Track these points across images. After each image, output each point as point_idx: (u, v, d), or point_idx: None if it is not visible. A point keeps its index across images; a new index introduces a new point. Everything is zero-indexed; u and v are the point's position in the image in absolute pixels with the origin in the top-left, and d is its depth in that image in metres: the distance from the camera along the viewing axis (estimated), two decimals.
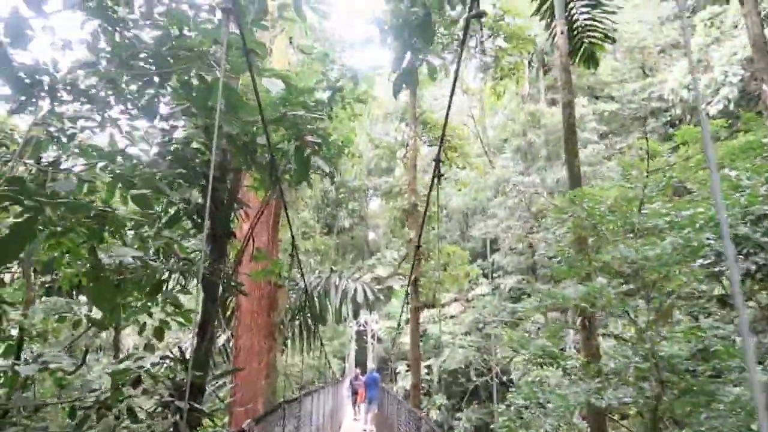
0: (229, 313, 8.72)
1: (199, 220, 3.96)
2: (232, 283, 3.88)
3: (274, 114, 3.81)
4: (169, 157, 3.84)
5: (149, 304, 3.75)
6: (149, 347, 3.52)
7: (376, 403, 14.13)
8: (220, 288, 3.73)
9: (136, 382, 3.17)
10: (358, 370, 17.25)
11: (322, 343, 12.02)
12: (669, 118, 19.50)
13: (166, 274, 3.82)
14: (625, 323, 7.87)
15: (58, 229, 2.80)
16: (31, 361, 3.13)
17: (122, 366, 3.21)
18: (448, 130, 10.82)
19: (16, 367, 2.97)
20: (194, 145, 3.84)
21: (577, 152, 6.13)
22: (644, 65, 22.25)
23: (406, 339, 27.97)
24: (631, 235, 6.27)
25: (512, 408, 20.12)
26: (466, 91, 15.54)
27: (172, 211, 4.01)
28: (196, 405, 3.43)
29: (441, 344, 21.77)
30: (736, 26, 17.72)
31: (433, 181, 4.93)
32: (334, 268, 12.20)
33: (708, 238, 5.40)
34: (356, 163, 32.05)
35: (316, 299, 11.84)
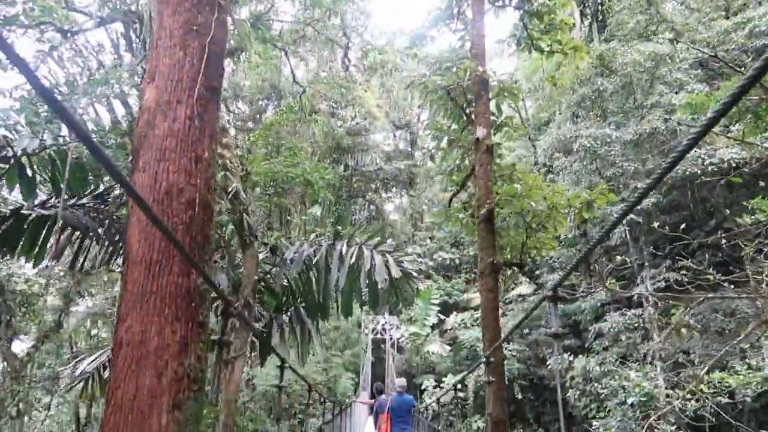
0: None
1: None
2: None
3: None
4: None
5: None
6: None
7: None
8: None
9: None
10: (380, 386, 11.62)
11: (309, 341, 7.84)
12: None
13: None
14: None
15: None
16: None
17: None
18: None
19: None
20: None
21: None
22: (728, 6, 17.98)
23: (433, 347, 23.60)
24: None
25: None
26: None
27: None
28: None
29: (477, 353, 17.43)
30: None
31: None
32: (341, 229, 7.90)
33: None
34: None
35: (313, 278, 7.61)
